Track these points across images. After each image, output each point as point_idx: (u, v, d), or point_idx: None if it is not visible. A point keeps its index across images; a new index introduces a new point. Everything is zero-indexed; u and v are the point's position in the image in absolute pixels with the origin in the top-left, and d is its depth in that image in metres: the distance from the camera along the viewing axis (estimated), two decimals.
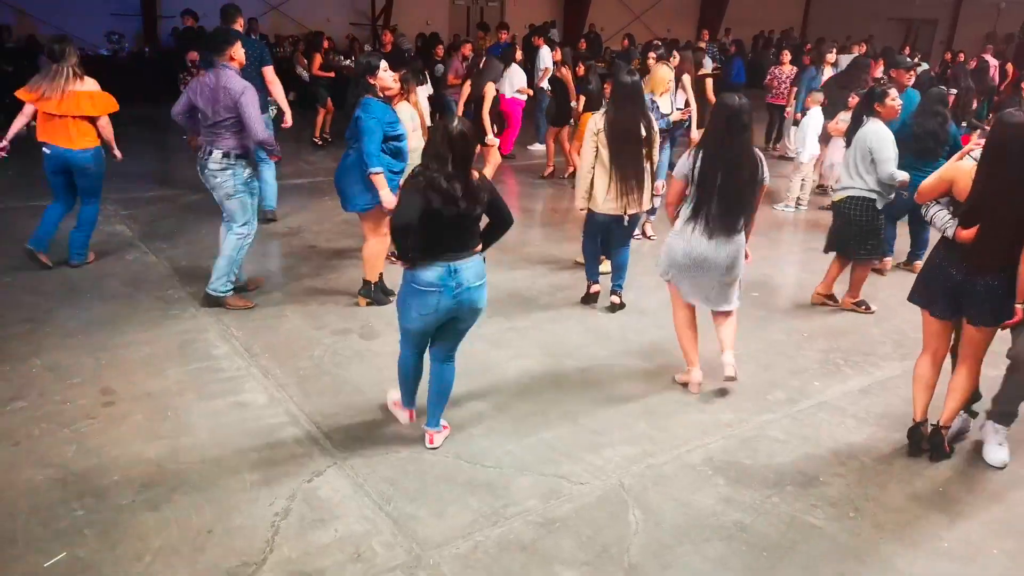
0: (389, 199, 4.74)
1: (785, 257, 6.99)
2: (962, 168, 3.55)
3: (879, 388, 4.48)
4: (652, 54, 7.99)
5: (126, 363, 4.31)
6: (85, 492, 3.19)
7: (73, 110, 5.26)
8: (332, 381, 4.24)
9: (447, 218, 3.20)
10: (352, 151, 4.91)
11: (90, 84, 5.34)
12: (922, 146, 5.87)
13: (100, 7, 14.26)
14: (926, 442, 3.78)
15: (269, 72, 6.40)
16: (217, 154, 4.81)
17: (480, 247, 3.40)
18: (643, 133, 5.00)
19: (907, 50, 17.20)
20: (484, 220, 3.45)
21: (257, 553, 2.90)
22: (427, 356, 3.62)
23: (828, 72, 9.85)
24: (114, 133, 5.56)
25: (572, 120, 9.12)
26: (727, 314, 4.32)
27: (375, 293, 5.26)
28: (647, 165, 5.10)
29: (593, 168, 5.04)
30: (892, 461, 3.75)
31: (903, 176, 5.22)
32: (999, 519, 3.37)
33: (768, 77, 11.38)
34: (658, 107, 6.38)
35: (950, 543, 3.20)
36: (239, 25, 5.93)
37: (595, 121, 5.03)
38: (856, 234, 5.38)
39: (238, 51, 4.86)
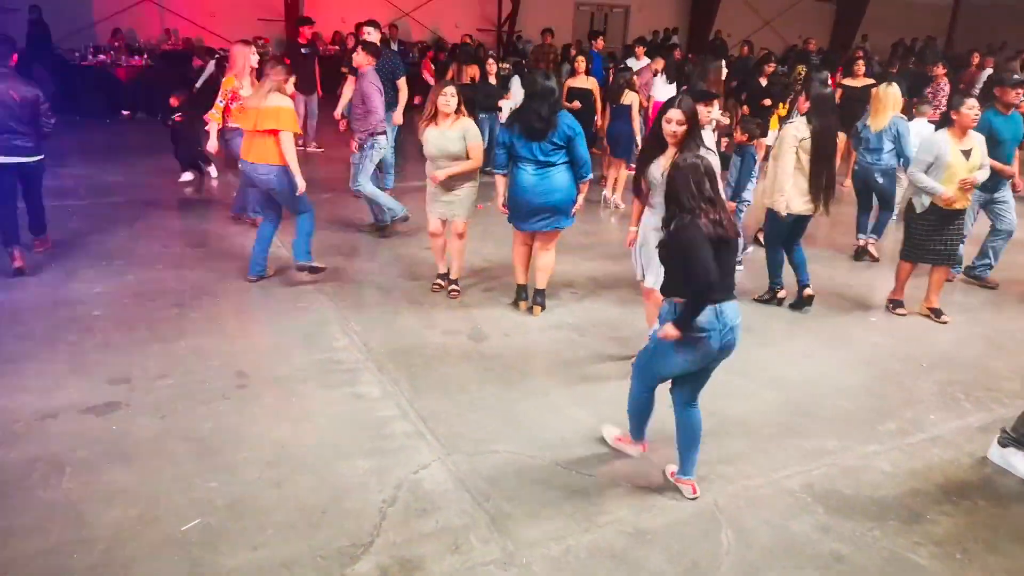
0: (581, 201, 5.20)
1: (911, 282, 6.66)
2: None
3: (1001, 426, 4.25)
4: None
5: (258, 349, 4.70)
6: (218, 466, 3.54)
7: (258, 124, 5.29)
8: (440, 379, 4.46)
9: (718, 258, 3.13)
10: (553, 168, 4.97)
11: (275, 100, 5.28)
12: None
13: (248, 12, 15.32)
14: None
15: (401, 82, 7.43)
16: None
17: None
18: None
19: None
20: None
21: (365, 535, 3.13)
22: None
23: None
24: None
25: None
26: None
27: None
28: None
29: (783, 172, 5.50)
30: (1009, 505, 3.59)
31: (924, 182, 5.36)
32: None
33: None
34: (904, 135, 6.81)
35: None
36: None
37: (798, 129, 5.41)
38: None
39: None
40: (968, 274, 6.63)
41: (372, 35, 7.34)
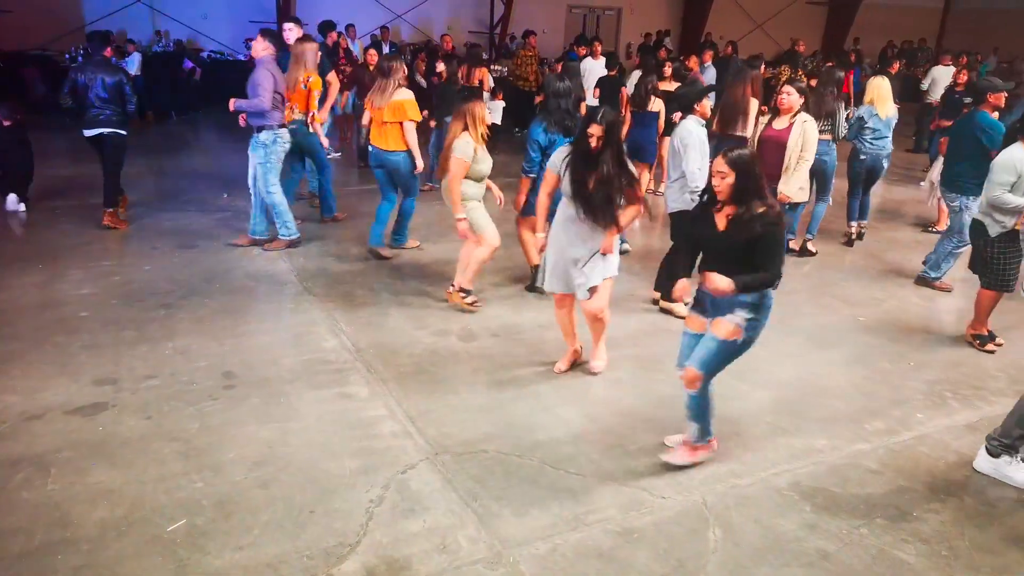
0: None
1: (898, 279, 6.70)
2: None
3: (988, 424, 4.25)
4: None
5: (246, 350, 4.68)
6: (205, 466, 3.52)
7: (388, 116, 6.04)
8: (429, 379, 4.45)
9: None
10: None
11: (401, 94, 6.04)
12: None
13: (240, 14, 15.28)
14: None
15: (330, 77, 7.49)
16: None
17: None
18: None
19: None
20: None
21: (352, 535, 3.12)
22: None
23: None
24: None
25: None
26: None
27: None
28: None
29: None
30: (996, 503, 3.59)
31: (1014, 201, 4.84)
32: None
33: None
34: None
35: None
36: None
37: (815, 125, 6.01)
38: (974, 258, 5.33)
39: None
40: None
41: (292, 31, 7.21)
